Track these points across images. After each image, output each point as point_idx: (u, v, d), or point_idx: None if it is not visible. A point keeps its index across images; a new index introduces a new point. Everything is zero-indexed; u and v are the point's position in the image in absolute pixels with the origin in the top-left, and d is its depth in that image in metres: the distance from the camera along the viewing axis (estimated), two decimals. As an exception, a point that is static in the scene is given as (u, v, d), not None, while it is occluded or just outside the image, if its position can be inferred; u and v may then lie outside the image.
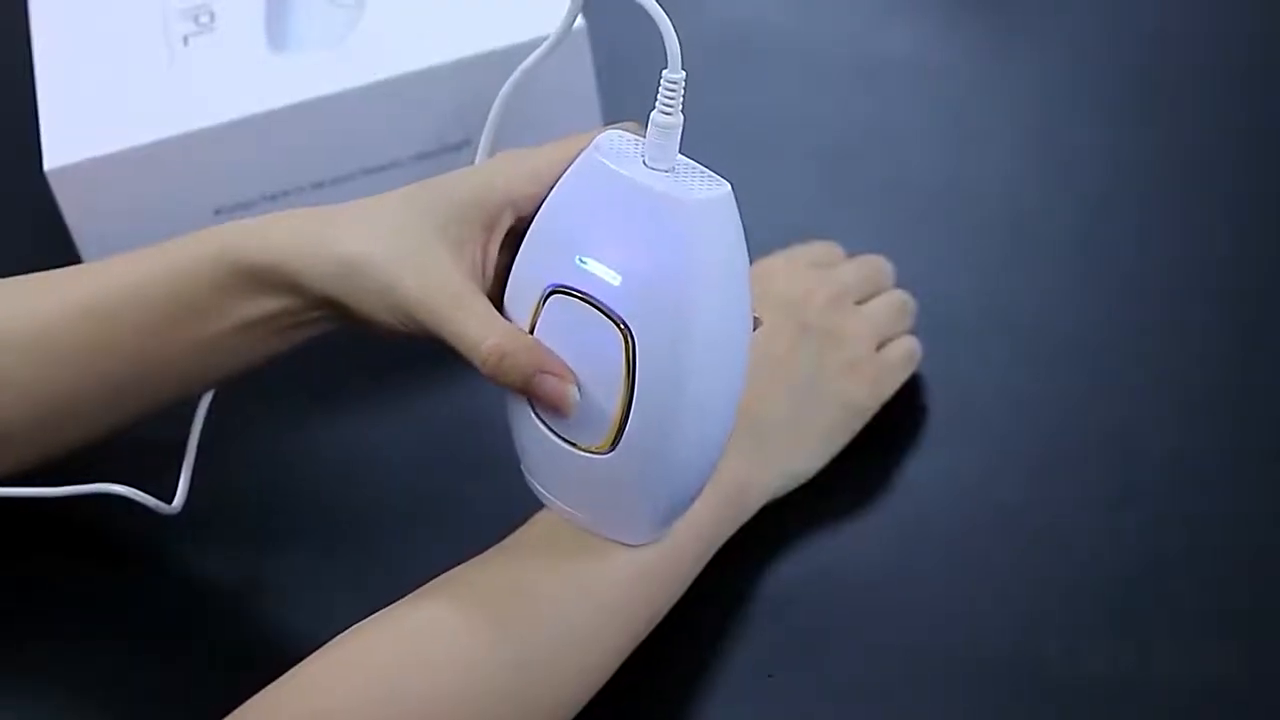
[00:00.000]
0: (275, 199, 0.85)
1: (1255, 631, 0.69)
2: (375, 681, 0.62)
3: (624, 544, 0.66)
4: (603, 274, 0.61)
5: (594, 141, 0.62)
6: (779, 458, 0.72)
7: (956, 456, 0.76)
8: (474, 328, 0.62)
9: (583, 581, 0.63)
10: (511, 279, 0.64)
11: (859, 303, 0.77)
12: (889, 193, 0.88)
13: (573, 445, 0.64)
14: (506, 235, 0.65)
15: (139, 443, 0.73)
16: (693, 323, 0.61)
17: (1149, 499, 0.74)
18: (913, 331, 0.78)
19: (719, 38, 0.98)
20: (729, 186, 0.61)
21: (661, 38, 0.59)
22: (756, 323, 0.64)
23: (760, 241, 0.80)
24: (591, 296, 0.61)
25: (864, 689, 0.69)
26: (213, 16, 0.88)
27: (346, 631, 0.64)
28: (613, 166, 0.61)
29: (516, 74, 0.67)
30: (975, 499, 0.74)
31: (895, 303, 0.78)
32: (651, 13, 0.59)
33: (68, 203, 0.83)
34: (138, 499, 0.73)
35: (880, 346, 0.76)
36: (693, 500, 0.66)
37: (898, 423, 0.76)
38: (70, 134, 0.83)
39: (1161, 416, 0.77)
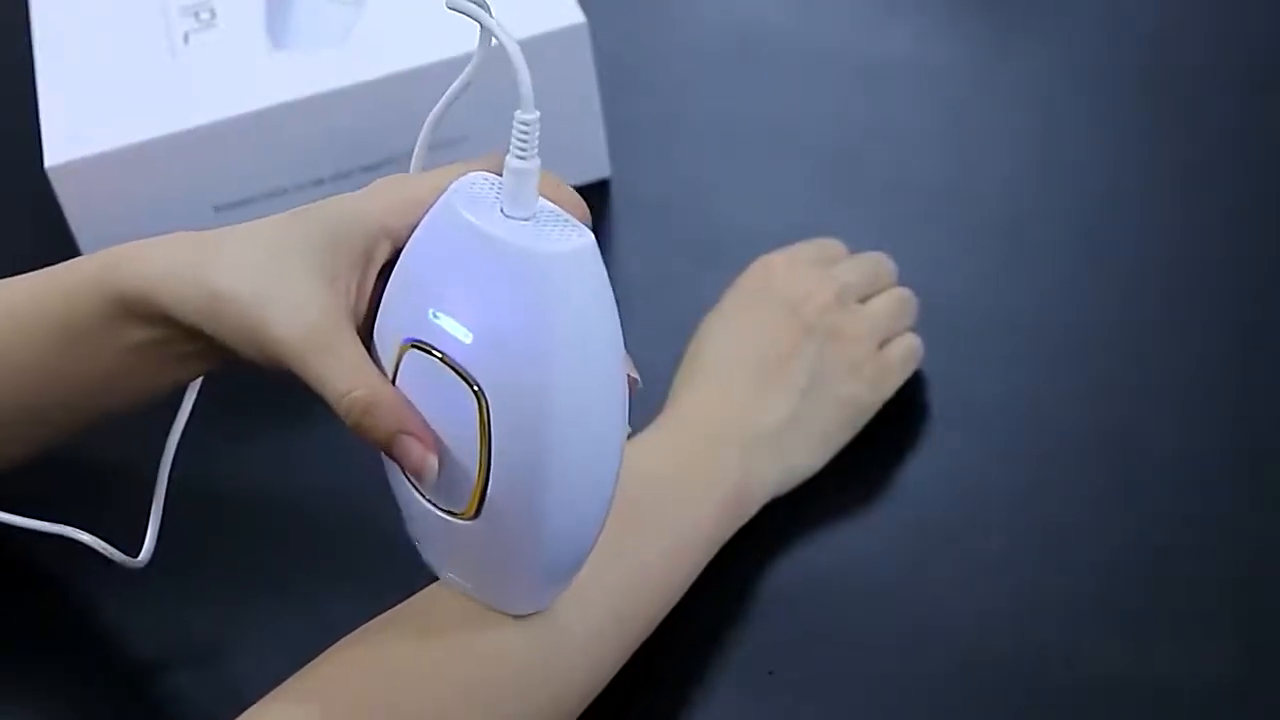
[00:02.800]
0: (275, 196, 0.85)
1: (1255, 631, 0.69)
2: (378, 688, 0.62)
3: (508, 614, 0.62)
4: (454, 331, 0.56)
5: (453, 185, 0.57)
6: (780, 457, 0.72)
7: (956, 455, 0.76)
8: (339, 375, 0.58)
9: (581, 585, 0.63)
10: (377, 322, 0.60)
11: (860, 301, 0.77)
12: (889, 192, 0.88)
13: (440, 509, 0.60)
14: (386, 266, 0.61)
15: (113, 482, 0.72)
16: (551, 385, 0.56)
17: (1149, 499, 0.74)
18: (914, 330, 0.78)
19: (720, 37, 0.98)
20: (591, 237, 0.56)
21: (517, 76, 0.54)
22: (633, 383, 0.59)
23: (761, 240, 0.81)
24: (444, 354, 0.57)
25: (864, 688, 0.69)
26: (213, 14, 0.88)
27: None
28: (466, 214, 0.56)
29: (439, 106, 0.61)
30: (975, 498, 0.74)
31: (897, 301, 0.78)
32: (505, 43, 0.55)
33: (68, 199, 0.83)
34: (101, 549, 0.70)
35: (882, 344, 0.76)
36: (577, 566, 0.62)
37: (898, 421, 0.76)
38: (71, 131, 0.83)
39: (1161, 416, 0.77)
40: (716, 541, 0.70)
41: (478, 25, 0.56)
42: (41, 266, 0.68)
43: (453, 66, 0.83)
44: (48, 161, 0.82)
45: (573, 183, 0.88)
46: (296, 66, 0.84)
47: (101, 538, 0.70)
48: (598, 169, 0.90)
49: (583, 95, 0.87)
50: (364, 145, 0.85)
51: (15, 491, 0.71)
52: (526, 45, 0.86)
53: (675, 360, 0.76)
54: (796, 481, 0.73)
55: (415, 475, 0.58)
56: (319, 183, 0.85)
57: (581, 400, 0.57)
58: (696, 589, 0.69)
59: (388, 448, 0.58)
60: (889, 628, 0.70)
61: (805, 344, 0.74)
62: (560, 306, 0.56)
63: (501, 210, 0.56)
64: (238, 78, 0.84)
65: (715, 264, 0.81)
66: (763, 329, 0.75)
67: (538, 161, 0.56)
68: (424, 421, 0.58)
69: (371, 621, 0.64)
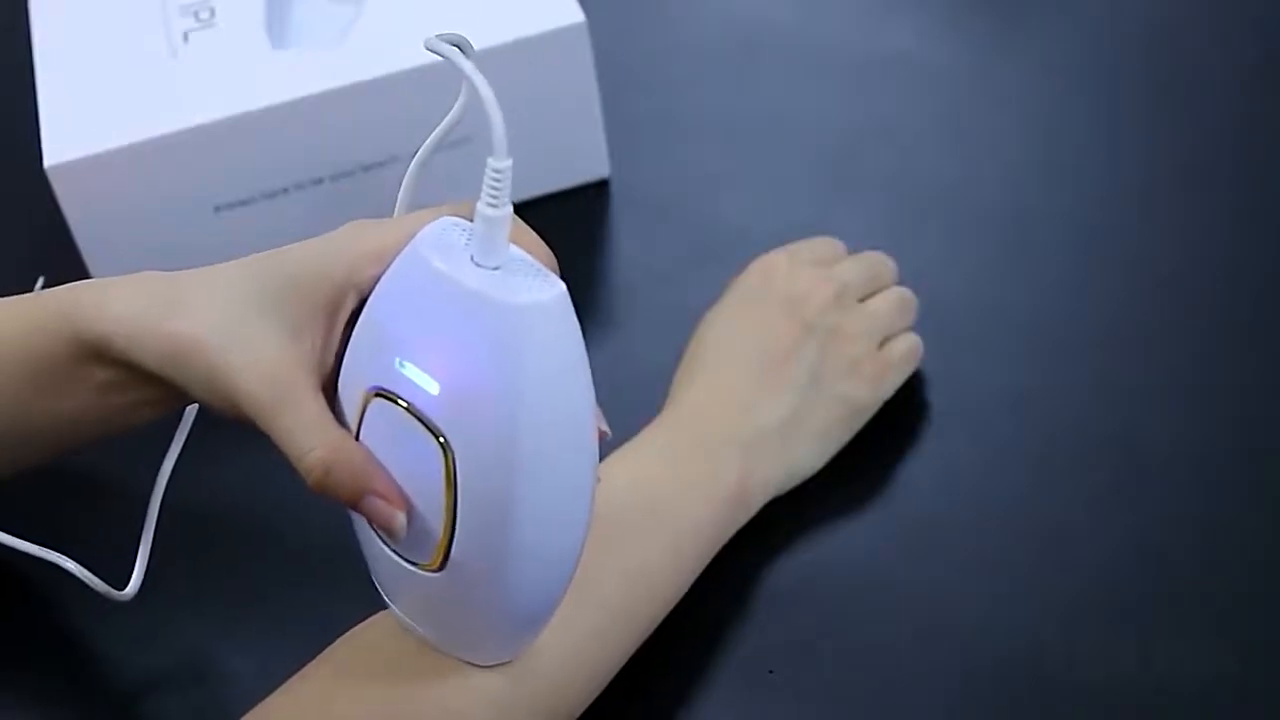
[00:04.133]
0: (275, 196, 0.85)
1: (1255, 631, 0.69)
2: (380, 694, 0.62)
3: (474, 665, 0.61)
4: (421, 381, 0.55)
5: (421, 231, 0.56)
6: (780, 456, 0.72)
7: (956, 455, 0.76)
8: (299, 432, 0.57)
9: (581, 587, 0.63)
10: (342, 372, 0.59)
11: (860, 300, 0.77)
12: (890, 190, 0.88)
13: (405, 560, 0.59)
14: (353, 316, 0.59)
15: (107, 504, 0.71)
16: (519, 437, 0.54)
17: (1149, 499, 0.74)
18: (914, 329, 0.78)
19: (721, 36, 0.98)
20: (562, 287, 0.54)
21: (490, 122, 0.53)
22: (603, 435, 0.58)
23: (760, 239, 0.81)
24: (410, 404, 0.55)
25: (864, 687, 0.68)
26: (213, 13, 0.88)
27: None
28: (435, 262, 0.55)
29: (422, 150, 0.60)
30: (975, 497, 0.74)
31: (897, 300, 0.78)
32: (479, 89, 0.53)
33: (68, 199, 0.82)
34: (88, 581, 0.68)
35: (882, 344, 0.76)
36: (545, 617, 0.61)
37: (898, 420, 0.76)
38: (70, 130, 0.83)
39: (1162, 416, 0.77)
40: (717, 541, 0.70)
41: (459, 64, 0.55)
42: (42, 267, 0.68)
43: (454, 67, 0.83)
44: (47, 161, 0.81)
45: (572, 182, 0.89)
46: (296, 66, 0.84)
47: (91, 560, 0.69)
48: (597, 168, 0.90)
49: (582, 94, 0.87)
50: (364, 145, 0.85)
51: (6, 509, 0.71)
52: (526, 45, 0.87)
53: (675, 359, 0.76)
54: (796, 481, 0.73)
55: (384, 532, 0.58)
56: (319, 182, 0.85)
57: (551, 453, 0.56)
58: (696, 588, 0.69)
59: (353, 506, 0.57)
60: (889, 627, 0.70)
61: (805, 343, 0.74)
62: (530, 359, 0.54)
63: (471, 258, 0.55)
64: (237, 77, 0.84)
65: (715, 263, 0.81)
66: (763, 328, 0.75)
67: (509, 209, 0.54)
68: (389, 477, 0.57)
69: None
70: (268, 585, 0.75)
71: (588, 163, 0.89)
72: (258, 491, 0.78)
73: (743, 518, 0.71)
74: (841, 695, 0.68)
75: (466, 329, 0.54)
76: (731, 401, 0.73)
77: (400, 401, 0.56)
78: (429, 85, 0.83)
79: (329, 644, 0.63)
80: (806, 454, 0.73)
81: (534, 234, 0.60)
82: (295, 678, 0.62)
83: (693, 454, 0.71)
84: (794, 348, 0.74)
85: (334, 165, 0.85)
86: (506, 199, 0.54)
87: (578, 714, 0.65)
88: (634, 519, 0.67)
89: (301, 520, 0.76)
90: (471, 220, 0.55)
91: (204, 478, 0.74)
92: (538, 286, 0.54)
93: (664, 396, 0.75)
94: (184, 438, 0.69)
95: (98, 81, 0.85)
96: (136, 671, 0.73)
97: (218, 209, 0.85)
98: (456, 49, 0.55)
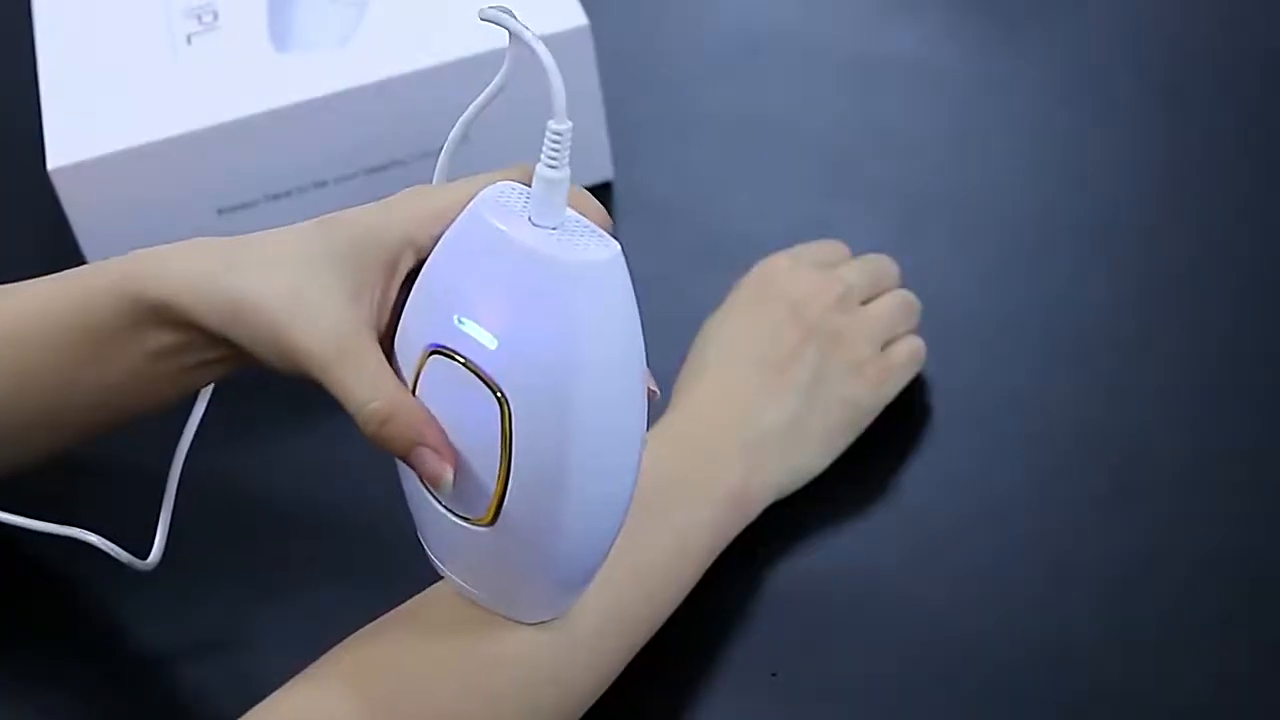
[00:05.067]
0: (278, 198, 0.85)
1: (1255, 631, 0.69)
2: (385, 686, 0.62)
3: (520, 621, 0.62)
4: (480, 337, 0.56)
5: (481, 193, 0.58)
6: (783, 458, 0.72)
7: (958, 456, 0.76)
8: (359, 385, 0.58)
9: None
10: (399, 330, 0.60)
11: (863, 302, 0.77)
12: (893, 193, 0.88)
13: (456, 515, 0.60)
14: (409, 276, 0.61)
15: (125, 482, 0.72)
16: (574, 393, 0.56)
17: (1150, 499, 0.74)
18: (916, 331, 0.78)
19: (724, 39, 0.98)
20: (618, 247, 0.56)
21: (550, 86, 0.54)
22: (652, 395, 0.59)
23: (763, 241, 0.81)
24: (469, 360, 0.57)
25: (865, 687, 0.69)
26: (216, 15, 0.88)
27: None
28: (494, 222, 0.56)
29: (468, 112, 0.62)
30: (976, 498, 0.74)
31: (899, 302, 0.78)
32: (540, 55, 0.55)
33: (71, 202, 0.83)
34: (111, 551, 0.70)
35: (884, 346, 0.76)
36: (590, 576, 0.62)
37: (900, 423, 0.77)
38: (73, 133, 0.83)
39: (1163, 417, 0.77)
40: (719, 542, 0.70)
41: (505, 33, 0.57)
42: (45, 269, 0.68)
43: (456, 69, 0.83)
44: (50, 164, 0.82)
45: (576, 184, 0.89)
46: (299, 68, 0.84)
47: (111, 538, 0.70)
48: (601, 170, 0.90)
49: (586, 97, 0.87)
50: (367, 148, 0.85)
51: (26, 492, 0.72)
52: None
53: (678, 361, 0.76)
54: (799, 483, 0.74)
55: (432, 485, 0.59)
56: (322, 185, 0.85)
57: (603, 410, 0.57)
58: (699, 589, 0.69)
59: (405, 457, 0.59)
60: (890, 629, 0.70)
61: (808, 345, 0.74)
62: (587, 316, 0.56)
63: (530, 219, 0.56)
64: (240, 80, 0.84)
65: (718, 265, 0.81)
66: (765, 330, 0.75)
67: (568, 171, 0.56)
68: (443, 433, 0.58)
69: (377, 620, 0.64)
70: (286, 558, 0.75)
71: (591, 165, 0.89)
72: (274, 467, 0.79)
73: (745, 520, 0.71)
74: (843, 697, 0.68)
75: (525, 286, 0.56)
76: (734, 403, 0.73)
77: (458, 357, 0.57)
78: (432, 88, 0.83)
79: (348, 613, 0.64)
80: (809, 456, 0.74)
81: (590, 197, 0.61)
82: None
83: (695, 456, 0.71)
84: (797, 350, 0.74)
85: (337, 168, 0.85)
86: (565, 161, 0.56)
87: (579, 714, 0.65)
88: (636, 520, 0.67)
89: (319, 492, 0.77)
90: (528, 185, 0.57)
91: (221, 455, 0.75)
92: (594, 246, 0.56)
93: (667, 398, 0.75)
94: (200, 414, 0.69)
95: (101, 84, 0.86)
96: (161, 642, 0.73)
97: (220, 212, 0.85)
98: (509, 14, 0.57)
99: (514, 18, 0.57)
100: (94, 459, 0.75)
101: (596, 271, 0.56)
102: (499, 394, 0.56)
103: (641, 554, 0.67)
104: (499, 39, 0.84)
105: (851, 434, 0.75)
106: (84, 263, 0.84)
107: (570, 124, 0.55)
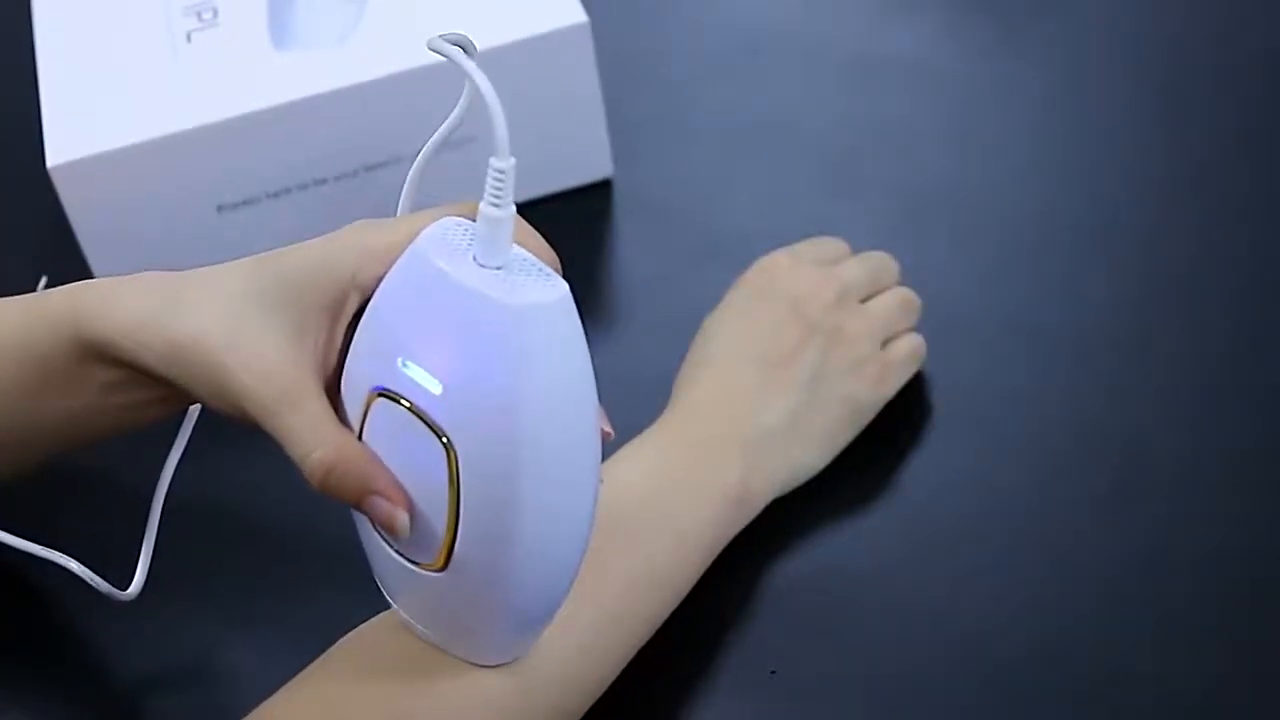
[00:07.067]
0: (278, 196, 0.85)
1: (1254, 631, 0.69)
2: (383, 694, 0.61)
3: (477, 665, 0.61)
4: (424, 382, 0.55)
5: (424, 231, 0.56)
6: (783, 456, 0.72)
7: (958, 454, 0.76)
8: (301, 432, 0.57)
9: (584, 587, 0.63)
10: (345, 372, 0.59)
11: (863, 300, 0.77)
12: (893, 191, 0.88)
13: (408, 561, 0.59)
14: (355, 316, 0.59)
15: (109, 502, 0.71)
16: (522, 438, 0.54)
17: (1151, 499, 0.74)
18: (917, 329, 0.78)
19: (724, 37, 0.98)
20: (565, 288, 0.55)
21: (493, 122, 0.52)
22: (606, 436, 0.58)
23: (763, 239, 0.81)
24: (414, 404, 0.55)
25: (865, 687, 0.68)
26: (216, 13, 0.88)
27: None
28: (437, 262, 0.54)
29: (424, 152, 0.61)
30: (976, 497, 0.74)
31: (900, 300, 0.78)
32: (481, 89, 0.53)
33: (70, 199, 0.83)
34: (91, 581, 0.68)
35: (885, 344, 0.76)
36: (548, 617, 0.61)
37: (900, 420, 0.76)
38: (73, 130, 0.83)
39: (1163, 416, 0.77)
40: (719, 541, 0.70)
41: (462, 64, 0.55)
42: (45, 268, 0.68)
43: (456, 68, 0.83)
44: (50, 161, 0.82)
45: (575, 182, 0.89)
46: (299, 66, 0.84)
47: (94, 561, 0.69)
48: (600, 168, 0.90)
49: (585, 95, 0.87)
50: (367, 145, 0.85)
51: (9, 509, 0.71)
52: (529, 45, 0.87)
53: (678, 359, 0.76)
54: (799, 481, 0.73)
55: (387, 531, 0.58)
56: (321, 182, 0.85)
57: (554, 453, 0.56)
58: (698, 588, 0.69)
59: (356, 506, 0.57)
60: (891, 628, 0.70)
61: (808, 343, 0.74)
62: (533, 359, 0.54)
63: (474, 258, 0.55)
64: (240, 77, 0.84)
65: (718, 263, 0.81)
66: (766, 328, 0.75)
67: (513, 209, 0.55)
68: (392, 477, 0.57)
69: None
70: (270, 585, 0.75)
71: (591, 163, 0.89)
72: (260, 491, 0.78)
73: (745, 518, 0.71)
74: (843, 696, 0.68)
75: (469, 329, 0.54)
76: (734, 401, 0.73)
77: (403, 401, 0.56)
78: (432, 85, 0.83)
79: (331, 643, 0.63)
80: (809, 454, 0.73)
81: (537, 234, 0.60)
82: (298, 678, 0.62)
83: (695, 454, 0.71)
84: (797, 348, 0.74)
85: (336, 165, 0.85)
86: (509, 199, 0.54)
87: (580, 714, 0.65)
88: (636, 519, 0.67)
89: (303, 520, 0.76)
90: (474, 220, 0.55)
91: (206, 478, 0.74)
92: (540, 287, 0.55)
93: (667, 396, 0.75)
94: (186, 438, 0.69)
95: (100, 81, 0.85)
96: (138, 672, 0.73)
97: (220, 209, 0.85)
98: (459, 49, 0.55)
99: (463, 49, 0.55)
100: (80, 478, 0.75)
101: (542, 314, 0.54)
102: (444, 439, 0.55)
103: (641, 552, 0.67)
104: (499, 36, 0.84)
105: (852, 432, 0.75)
106: (84, 261, 0.84)
107: (513, 160, 0.54)
